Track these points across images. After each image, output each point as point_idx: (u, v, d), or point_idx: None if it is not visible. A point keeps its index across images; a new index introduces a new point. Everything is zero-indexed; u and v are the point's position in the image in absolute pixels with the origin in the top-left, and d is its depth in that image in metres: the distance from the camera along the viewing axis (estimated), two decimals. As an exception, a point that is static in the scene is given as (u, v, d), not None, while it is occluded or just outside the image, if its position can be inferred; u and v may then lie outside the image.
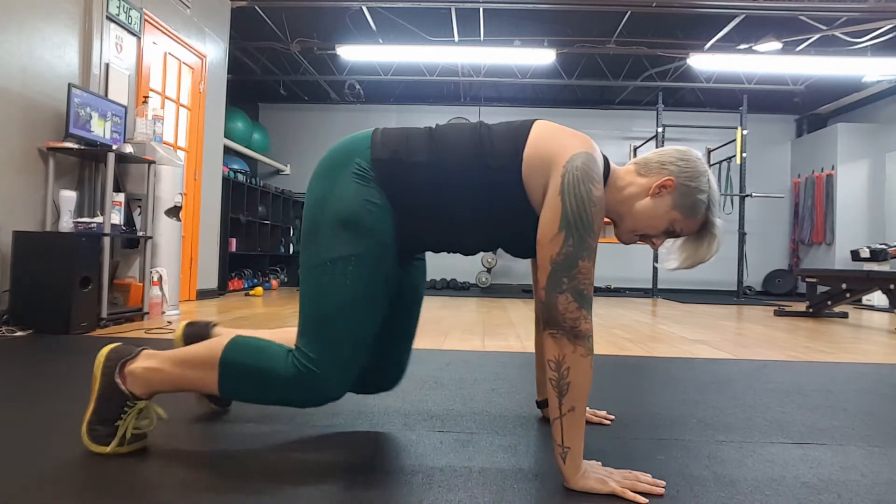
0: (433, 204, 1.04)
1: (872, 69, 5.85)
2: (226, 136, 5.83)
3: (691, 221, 1.07)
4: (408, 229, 1.06)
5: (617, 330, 3.39)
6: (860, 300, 6.27)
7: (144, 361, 1.05)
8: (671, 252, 1.15)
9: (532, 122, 1.06)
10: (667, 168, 1.06)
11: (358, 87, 7.64)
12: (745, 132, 6.66)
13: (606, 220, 1.13)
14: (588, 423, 1.36)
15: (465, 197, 1.03)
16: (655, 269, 7.24)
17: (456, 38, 6.07)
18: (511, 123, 1.07)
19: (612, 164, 1.12)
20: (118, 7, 3.46)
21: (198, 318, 1.12)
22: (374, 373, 1.24)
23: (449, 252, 1.12)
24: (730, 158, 7.21)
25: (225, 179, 5.39)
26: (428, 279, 7.69)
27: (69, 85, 2.83)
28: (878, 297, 6.02)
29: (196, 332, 1.31)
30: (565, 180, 0.95)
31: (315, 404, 1.02)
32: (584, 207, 0.94)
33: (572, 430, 0.93)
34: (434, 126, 1.10)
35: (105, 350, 1.07)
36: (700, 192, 1.06)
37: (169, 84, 4.21)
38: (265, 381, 1.00)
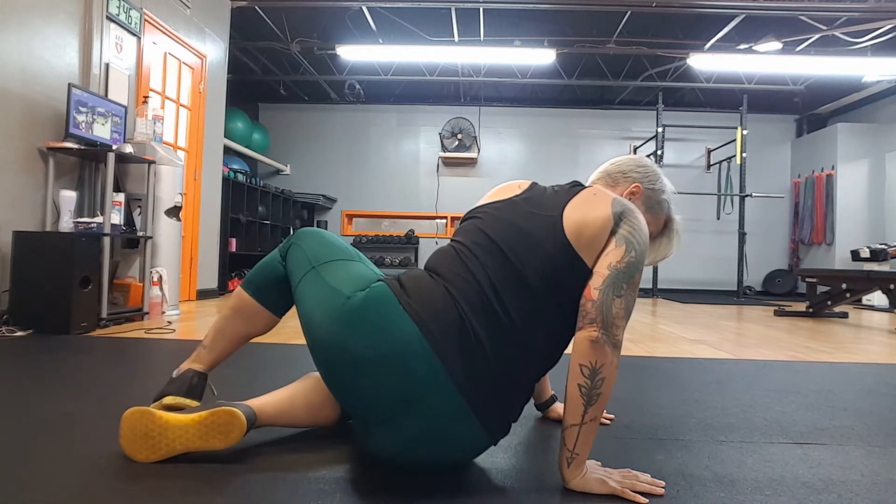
0: None
1: (872, 69, 5.85)
2: (226, 136, 5.82)
3: (659, 220, 1.18)
4: None
5: (617, 330, 3.39)
6: (860, 300, 6.27)
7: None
8: None
9: (561, 227, 0.97)
10: (629, 176, 1.16)
11: (358, 87, 7.64)
12: (745, 132, 6.66)
13: None
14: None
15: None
16: (655, 270, 7.24)
17: (456, 38, 6.06)
18: (546, 242, 0.97)
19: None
20: (118, 7, 3.46)
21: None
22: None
23: None
24: (730, 158, 7.22)
25: (225, 179, 5.39)
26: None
27: (69, 85, 2.83)
28: (878, 297, 6.02)
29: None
30: (618, 219, 0.97)
31: None
32: (640, 230, 0.98)
33: (586, 439, 0.92)
34: (490, 278, 0.95)
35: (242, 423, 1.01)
36: (662, 193, 1.17)
37: (169, 84, 4.21)
38: None
